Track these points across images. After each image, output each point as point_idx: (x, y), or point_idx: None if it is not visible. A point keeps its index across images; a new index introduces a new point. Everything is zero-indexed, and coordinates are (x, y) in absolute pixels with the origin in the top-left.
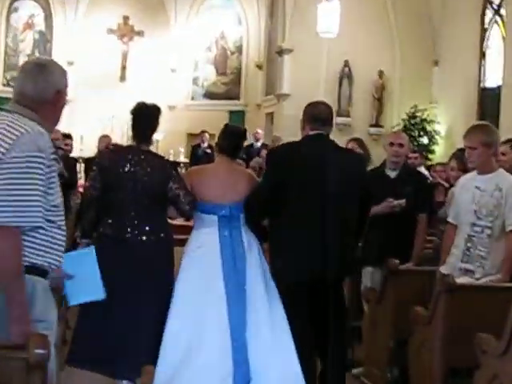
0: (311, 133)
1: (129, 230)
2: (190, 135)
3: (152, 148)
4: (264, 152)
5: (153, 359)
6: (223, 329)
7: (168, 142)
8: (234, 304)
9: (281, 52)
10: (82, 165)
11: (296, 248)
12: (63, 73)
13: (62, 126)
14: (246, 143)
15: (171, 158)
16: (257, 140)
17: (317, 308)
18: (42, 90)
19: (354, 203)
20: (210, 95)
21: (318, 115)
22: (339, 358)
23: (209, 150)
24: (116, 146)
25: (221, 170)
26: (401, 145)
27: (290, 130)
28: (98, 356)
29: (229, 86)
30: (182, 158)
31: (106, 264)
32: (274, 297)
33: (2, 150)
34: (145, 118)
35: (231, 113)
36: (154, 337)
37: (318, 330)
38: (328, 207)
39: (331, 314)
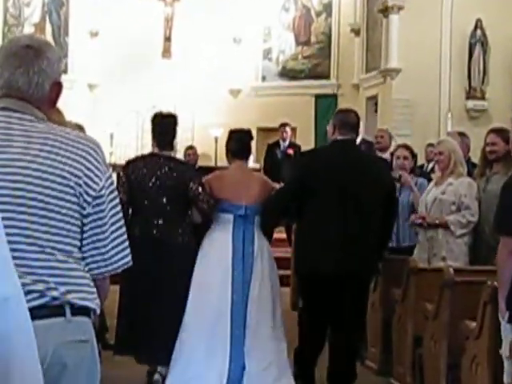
0: (339, 138)
1: (153, 228)
2: (263, 130)
3: (210, 149)
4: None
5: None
6: (224, 323)
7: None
8: (237, 299)
9: (386, 10)
10: (114, 175)
11: (314, 243)
12: (60, 58)
13: (82, 120)
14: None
15: None
16: None
17: (335, 302)
18: (39, 85)
19: (376, 207)
20: (287, 74)
21: (346, 121)
22: (350, 347)
23: (291, 151)
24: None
25: (237, 175)
26: None
27: (402, 121)
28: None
29: (314, 60)
30: (251, 163)
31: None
32: (276, 296)
33: (96, 179)
34: (165, 126)
35: (318, 98)
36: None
37: (335, 325)
38: (349, 207)
39: (348, 310)
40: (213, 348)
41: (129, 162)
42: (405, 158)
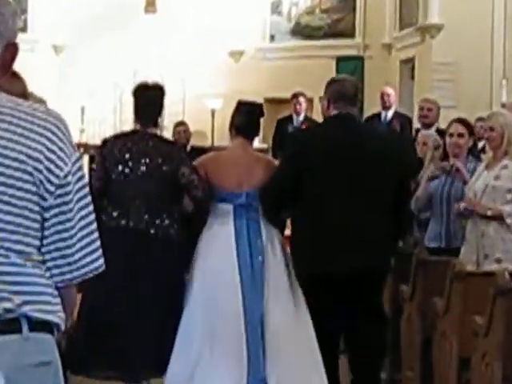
0: (335, 113)
1: (135, 222)
2: (271, 102)
3: (205, 125)
4: (396, 125)
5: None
6: (239, 335)
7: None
8: (250, 301)
9: None
10: (85, 158)
11: (318, 238)
12: (16, 13)
13: (46, 90)
14: (370, 112)
15: None
16: (385, 107)
17: (346, 305)
18: None
19: (387, 189)
20: (302, 32)
21: (342, 92)
22: (370, 367)
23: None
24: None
25: (237, 155)
26: None
27: (445, 89)
28: (105, 358)
29: (335, 14)
30: (256, 142)
31: (110, 259)
32: (298, 295)
33: (60, 163)
34: (149, 99)
35: (340, 61)
36: (160, 335)
37: (348, 333)
38: (355, 194)
39: (362, 314)
40: (227, 368)
41: (105, 141)
42: (460, 135)
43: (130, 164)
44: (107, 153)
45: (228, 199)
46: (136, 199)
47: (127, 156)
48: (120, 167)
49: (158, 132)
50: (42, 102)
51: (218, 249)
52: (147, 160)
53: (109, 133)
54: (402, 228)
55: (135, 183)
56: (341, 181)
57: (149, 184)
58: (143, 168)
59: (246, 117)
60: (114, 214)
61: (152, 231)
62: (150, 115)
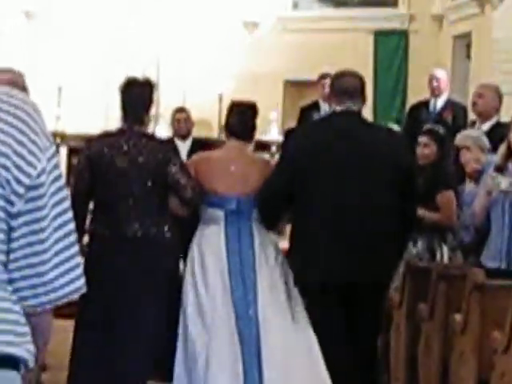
0: (337, 108)
1: (126, 225)
2: (293, 85)
3: (210, 112)
4: (448, 116)
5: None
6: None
7: (242, 98)
8: (243, 319)
9: None
10: (63, 151)
11: (315, 245)
12: None
13: (14, 63)
14: (416, 99)
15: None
16: (435, 93)
17: (344, 318)
18: None
19: (388, 194)
20: None
21: (343, 87)
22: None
23: None
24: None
25: (230, 157)
26: None
27: (507, 72)
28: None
29: None
30: (275, 134)
31: (104, 268)
32: (296, 305)
33: (32, 159)
34: (135, 97)
35: (379, 35)
36: (158, 342)
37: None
38: (354, 199)
39: (359, 327)
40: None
41: (90, 141)
42: None
43: (119, 166)
44: (94, 154)
45: (219, 204)
46: (126, 203)
47: (115, 158)
48: (107, 168)
49: (147, 129)
50: (24, 90)
51: (209, 257)
52: (136, 161)
53: (93, 120)
54: (403, 236)
55: (124, 186)
56: (335, 185)
57: (139, 186)
58: (132, 169)
59: (238, 118)
60: (104, 219)
61: (151, 237)
62: (137, 114)
